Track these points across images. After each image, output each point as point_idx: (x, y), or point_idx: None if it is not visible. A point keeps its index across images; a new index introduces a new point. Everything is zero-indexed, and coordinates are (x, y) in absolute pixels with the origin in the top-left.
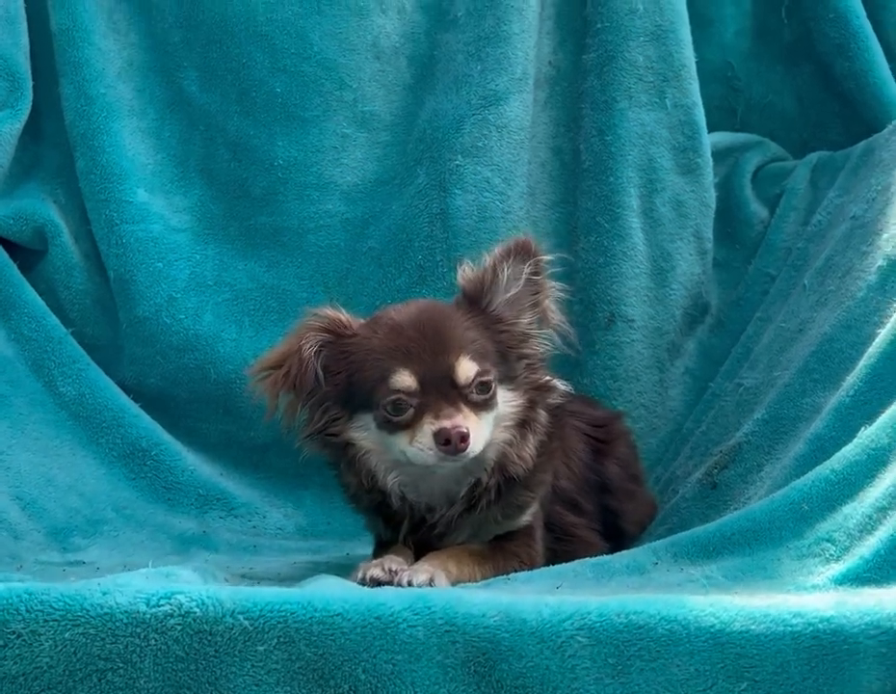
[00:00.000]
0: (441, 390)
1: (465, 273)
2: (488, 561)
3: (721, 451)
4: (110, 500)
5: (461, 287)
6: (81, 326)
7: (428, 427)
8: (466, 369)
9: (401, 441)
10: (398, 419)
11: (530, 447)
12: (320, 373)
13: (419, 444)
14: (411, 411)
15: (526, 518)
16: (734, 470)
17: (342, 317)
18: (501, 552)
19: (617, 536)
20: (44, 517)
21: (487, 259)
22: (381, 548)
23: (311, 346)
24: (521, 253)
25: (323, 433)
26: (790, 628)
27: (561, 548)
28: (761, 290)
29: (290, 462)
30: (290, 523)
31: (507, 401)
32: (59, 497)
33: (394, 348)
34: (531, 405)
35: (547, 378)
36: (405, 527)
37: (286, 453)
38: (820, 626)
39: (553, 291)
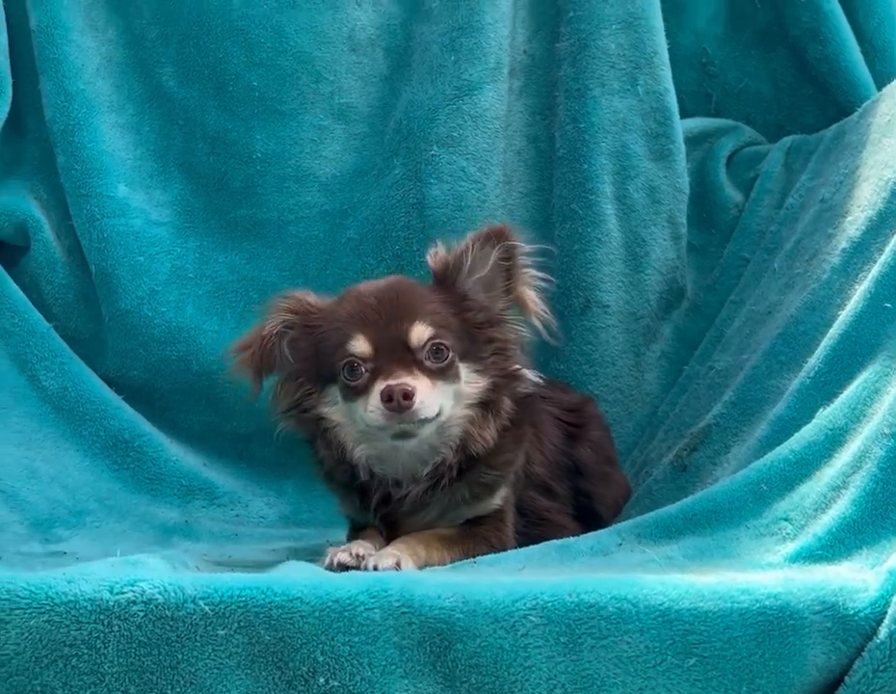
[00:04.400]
0: (395, 355)
1: (435, 254)
2: (458, 545)
3: (691, 433)
4: (93, 491)
5: (430, 267)
6: (64, 320)
7: (377, 387)
8: (419, 332)
9: (360, 408)
10: (354, 384)
11: (491, 429)
12: (285, 350)
13: (371, 406)
14: (367, 375)
15: (496, 501)
16: (703, 452)
17: (308, 297)
18: (471, 536)
19: (591, 519)
20: (27, 509)
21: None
22: (354, 533)
23: (274, 325)
24: (493, 237)
25: (297, 408)
26: (738, 605)
27: (534, 533)
28: (736, 274)
29: (272, 451)
30: (272, 512)
31: (470, 380)
32: (42, 489)
33: (353, 315)
34: (495, 389)
35: (517, 367)
36: (374, 500)
37: (269, 443)
38: (767, 602)
39: (532, 279)
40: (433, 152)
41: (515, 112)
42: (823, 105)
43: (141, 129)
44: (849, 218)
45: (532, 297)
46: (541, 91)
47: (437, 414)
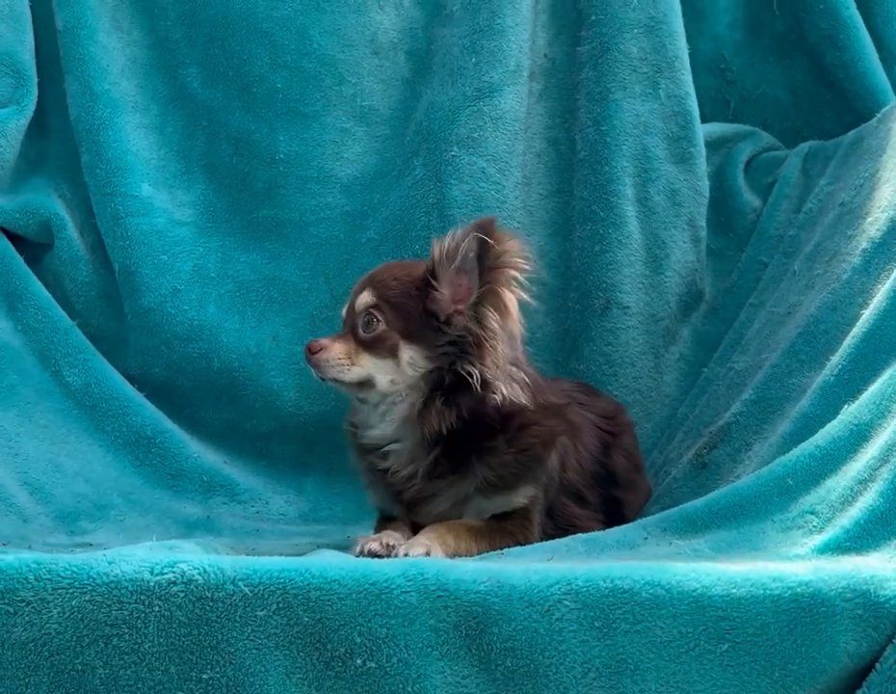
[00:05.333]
0: (349, 319)
1: (435, 244)
2: (485, 538)
3: (710, 432)
4: (116, 486)
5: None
6: (87, 317)
7: None
8: (361, 299)
9: None
10: None
11: (435, 416)
12: None
13: None
14: None
15: (520, 499)
16: (723, 450)
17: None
18: (498, 531)
19: (619, 524)
20: (52, 501)
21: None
22: (381, 524)
23: None
24: (473, 228)
25: None
26: (770, 592)
27: (560, 536)
28: (754, 277)
29: (292, 449)
30: (292, 509)
31: (411, 361)
32: (66, 483)
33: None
34: (435, 378)
35: (471, 369)
36: (367, 461)
37: (288, 441)
38: (799, 589)
39: (513, 281)
40: (453, 153)
41: (535, 114)
42: (840, 111)
43: (164, 130)
44: (869, 219)
45: (508, 299)
46: (562, 94)
47: (367, 383)
